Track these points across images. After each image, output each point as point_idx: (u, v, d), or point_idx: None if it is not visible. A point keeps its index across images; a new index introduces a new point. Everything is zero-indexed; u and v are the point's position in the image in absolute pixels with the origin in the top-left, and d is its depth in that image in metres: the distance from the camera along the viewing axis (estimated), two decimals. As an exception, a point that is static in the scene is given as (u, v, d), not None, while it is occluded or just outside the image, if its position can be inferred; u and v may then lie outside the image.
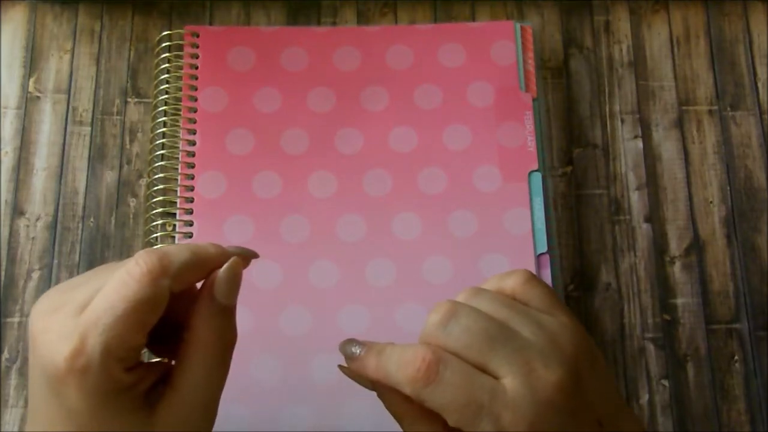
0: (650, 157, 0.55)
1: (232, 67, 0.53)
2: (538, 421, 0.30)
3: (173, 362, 0.33)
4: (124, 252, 0.53)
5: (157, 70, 0.53)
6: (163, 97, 0.53)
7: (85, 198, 0.54)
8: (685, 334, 0.52)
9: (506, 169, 0.51)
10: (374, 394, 0.34)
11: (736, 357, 0.51)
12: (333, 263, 0.49)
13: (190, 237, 0.49)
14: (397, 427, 0.33)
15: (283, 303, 0.48)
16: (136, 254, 0.31)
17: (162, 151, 0.51)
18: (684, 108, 0.56)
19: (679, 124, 0.56)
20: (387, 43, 0.54)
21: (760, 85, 0.56)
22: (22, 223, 0.53)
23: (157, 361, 0.34)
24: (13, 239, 0.53)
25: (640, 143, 0.55)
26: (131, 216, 0.53)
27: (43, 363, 0.30)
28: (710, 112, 0.56)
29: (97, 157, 0.55)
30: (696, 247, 0.53)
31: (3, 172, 0.54)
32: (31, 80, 0.56)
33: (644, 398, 0.50)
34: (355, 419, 0.46)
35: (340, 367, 0.34)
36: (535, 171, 0.51)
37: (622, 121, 0.56)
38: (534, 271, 0.48)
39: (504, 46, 0.54)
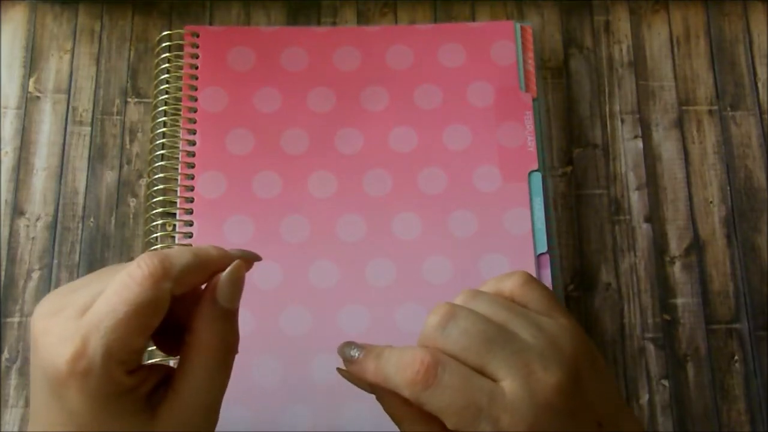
0: (650, 157, 0.55)
1: (232, 67, 0.53)
2: (538, 423, 0.30)
3: (175, 364, 0.33)
4: (124, 252, 0.53)
5: (157, 70, 0.53)
6: (163, 97, 0.53)
7: (85, 198, 0.54)
8: (685, 334, 0.52)
9: (506, 169, 0.51)
10: (374, 395, 0.34)
11: (736, 357, 0.51)
12: (333, 263, 0.49)
13: (190, 237, 0.49)
14: (396, 428, 0.33)
15: (283, 303, 0.48)
16: (138, 257, 0.31)
17: (162, 151, 0.51)
18: (684, 108, 0.56)
19: (679, 124, 0.56)
20: (387, 43, 0.54)
21: (760, 85, 0.56)
22: (22, 223, 0.53)
23: (158, 364, 0.34)
24: (13, 239, 0.53)
25: (640, 143, 0.55)
26: (131, 216, 0.53)
27: (44, 365, 0.30)
28: (710, 112, 0.56)
29: (97, 157, 0.55)
30: (696, 247, 0.53)
31: (3, 172, 0.54)
32: (31, 80, 0.56)
33: (644, 398, 0.50)
34: (355, 419, 0.46)
35: (339, 370, 0.34)
36: (535, 171, 0.51)
37: (622, 121, 0.56)
38: (534, 271, 0.48)
39: (504, 46, 0.54)
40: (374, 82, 0.53)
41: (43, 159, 0.54)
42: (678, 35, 0.58)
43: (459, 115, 0.52)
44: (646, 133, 0.56)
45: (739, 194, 0.54)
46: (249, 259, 0.35)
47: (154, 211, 0.50)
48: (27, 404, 0.50)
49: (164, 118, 0.52)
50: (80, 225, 0.53)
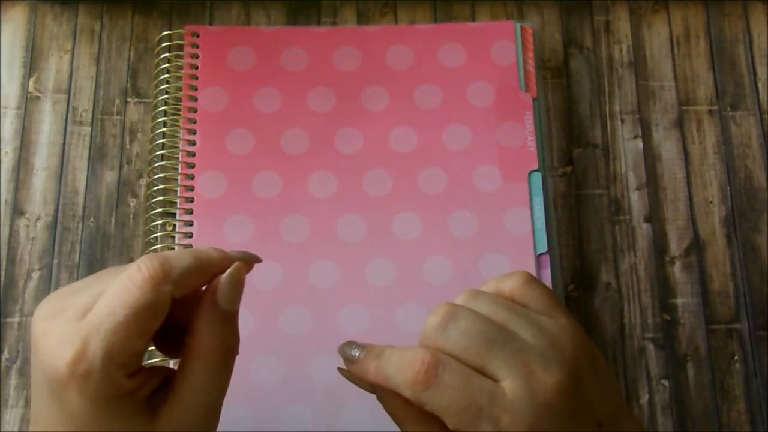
0: (650, 157, 0.55)
1: (232, 67, 0.53)
2: (538, 423, 0.30)
3: (175, 366, 0.33)
4: (124, 252, 0.53)
5: (157, 70, 0.53)
6: (163, 97, 0.53)
7: (85, 198, 0.54)
8: (685, 334, 0.52)
9: (506, 169, 0.51)
10: (374, 395, 0.34)
11: (736, 357, 0.51)
12: (333, 263, 0.49)
13: (190, 237, 0.49)
14: (397, 428, 0.33)
15: (283, 303, 0.48)
16: (138, 259, 0.31)
17: (162, 151, 0.51)
18: (684, 108, 0.56)
19: (679, 124, 0.56)
20: (387, 43, 0.54)
21: (760, 85, 0.56)
22: (22, 223, 0.53)
23: (159, 366, 0.34)
24: (13, 239, 0.53)
25: (640, 143, 0.55)
26: (131, 216, 0.53)
27: (44, 368, 0.30)
28: (710, 112, 0.56)
29: (97, 157, 0.55)
30: (696, 247, 0.53)
31: (3, 172, 0.54)
32: (31, 80, 0.56)
33: (644, 398, 0.50)
34: (355, 419, 0.46)
35: (340, 369, 0.34)
36: (535, 171, 0.51)
37: (622, 121, 0.56)
38: (534, 271, 0.48)
39: (504, 46, 0.54)
40: (374, 82, 0.53)
41: (43, 159, 0.54)
42: (678, 35, 0.58)
43: (459, 115, 0.52)
44: (646, 133, 0.56)
45: (739, 194, 0.54)
46: (249, 260, 0.35)
47: (154, 211, 0.50)
48: (27, 404, 0.50)
49: (164, 118, 0.52)
50: (80, 225, 0.53)
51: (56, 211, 0.53)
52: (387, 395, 0.32)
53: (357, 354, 0.33)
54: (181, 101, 0.52)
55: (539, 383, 0.30)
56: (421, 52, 0.54)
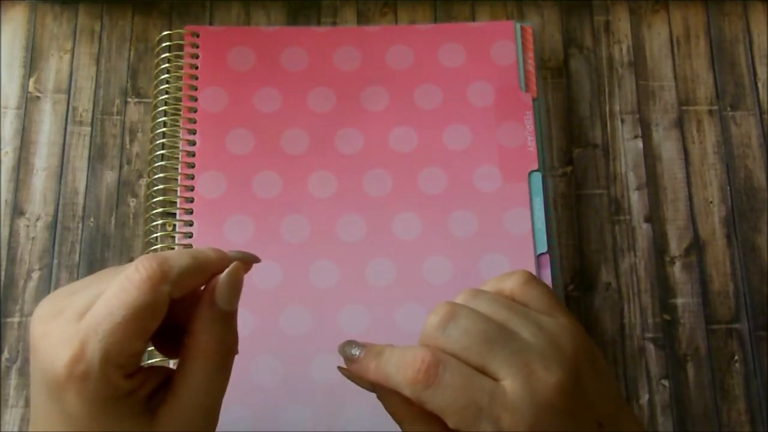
0: (650, 157, 0.55)
1: (232, 67, 0.53)
2: (538, 423, 0.30)
3: (174, 367, 0.33)
4: (124, 252, 0.53)
5: (157, 70, 0.53)
6: (163, 97, 0.53)
7: (85, 198, 0.54)
8: (685, 334, 0.52)
9: (506, 169, 0.51)
10: (374, 394, 0.34)
11: (736, 357, 0.51)
12: (333, 263, 0.49)
13: (190, 237, 0.49)
14: (397, 427, 0.33)
15: (283, 303, 0.48)
16: (136, 260, 0.31)
17: (162, 151, 0.51)
18: (684, 108, 0.56)
19: (679, 124, 0.56)
20: (387, 43, 0.54)
21: (760, 85, 0.56)
22: (22, 223, 0.53)
23: (158, 366, 0.34)
24: (13, 239, 0.53)
25: (640, 143, 0.55)
26: (131, 216, 0.53)
27: (43, 368, 0.30)
28: (710, 112, 0.56)
29: (97, 157, 0.55)
30: (696, 247, 0.53)
31: (3, 172, 0.54)
32: (31, 80, 0.56)
33: (644, 398, 0.50)
34: (355, 419, 0.46)
35: (340, 368, 0.34)
36: (535, 171, 0.51)
37: (622, 121, 0.56)
38: (534, 271, 0.48)
39: (504, 46, 0.54)
40: (374, 82, 0.53)
41: (43, 159, 0.54)
42: (678, 35, 0.58)
43: (459, 115, 0.52)
44: (646, 133, 0.56)
45: (739, 194, 0.54)
46: (248, 260, 0.34)
47: (154, 211, 0.50)
48: (27, 404, 0.50)
49: (164, 118, 0.52)
50: (80, 225, 0.53)
51: (56, 211, 0.53)
52: (387, 394, 0.32)
53: (357, 353, 0.33)
54: (181, 101, 0.52)
55: (539, 383, 0.30)
56: (421, 52, 0.54)
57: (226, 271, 0.33)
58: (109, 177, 0.54)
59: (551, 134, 0.55)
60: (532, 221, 0.50)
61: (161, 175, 0.51)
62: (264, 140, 0.52)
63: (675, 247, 0.53)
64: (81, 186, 0.54)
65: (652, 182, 0.54)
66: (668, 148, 0.55)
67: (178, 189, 0.51)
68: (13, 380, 0.50)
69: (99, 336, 0.29)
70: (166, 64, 0.53)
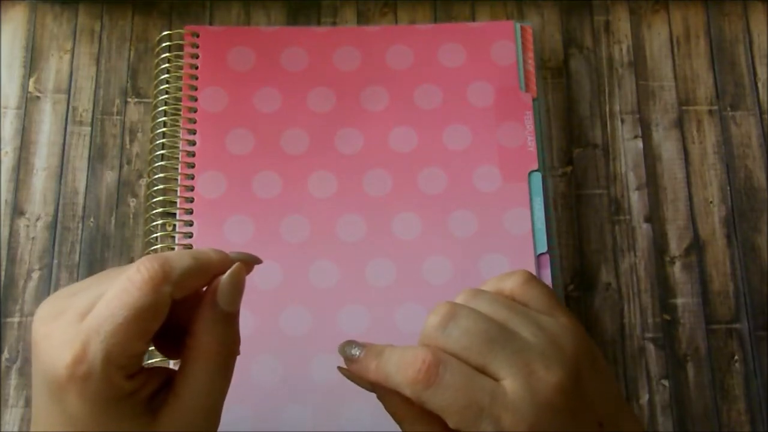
0: (650, 157, 0.55)
1: (232, 67, 0.53)
2: (539, 422, 0.30)
3: (176, 367, 0.33)
4: (124, 252, 0.53)
5: (157, 70, 0.53)
6: (163, 97, 0.53)
7: (85, 198, 0.54)
8: (685, 334, 0.52)
9: (506, 169, 0.51)
10: (374, 395, 0.34)
11: (736, 357, 0.51)
12: (333, 263, 0.49)
13: (190, 237, 0.49)
14: (397, 427, 0.33)
15: (283, 303, 0.48)
16: (138, 261, 0.31)
17: (162, 151, 0.51)
18: (684, 108, 0.56)
19: (679, 124, 0.56)
20: (387, 43, 0.54)
21: (760, 85, 0.56)
22: (22, 223, 0.53)
23: (159, 367, 0.34)
24: (13, 239, 0.53)
25: (640, 143, 0.55)
26: (131, 216, 0.53)
27: (44, 369, 0.30)
28: (710, 112, 0.56)
29: (97, 157, 0.55)
30: (696, 247, 0.53)
31: (3, 172, 0.54)
32: (31, 80, 0.56)
33: (644, 398, 0.50)
34: (355, 419, 0.46)
35: (340, 368, 0.34)
36: (535, 171, 0.51)
37: (622, 121, 0.56)
38: (534, 271, 0.48)
39: (504, 46, 0.54)
40: (374, 82, 0.53)
41: (43, 159, 0.54)
42: (678, 35, 0.58)
43: (459, 115, 0.52)
44: (646, 133, 0.56)
45: (739, 194, 0.54)
46: (249, 261, 0.34)
47: (154, 211, 0.50)
48: (27, 404, 0.50)
49: (164, 118, 0.52)
50: (80, 225, 0.53)
51: (56, 211, 0.53)
52: (387, 394, 0.32)
53: (357, 353, 0.33)
54: (181, 101, 0.52)
55: (540, 382, 0.30)
56: (421, 52, 0.54)
57: (228, 272, 0.33)
58: (109, 177, 0.54)
59: (551, 134, 0.55)
60: (532, 221, 0.50)
61: (161, 175, 0.51)
62: (264, 140, 0.52)
63: (675, 247, 0.53)
64: (81, 186, 0.54)
65: (652, 182, 0.54)
66: (668, 148, 0.55)
67: (178, 189, 0.51)
68: (13, 380, 0.50)
69: (101, 337, 0.29)
70: (166, 64, 0.53)
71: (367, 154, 0.52)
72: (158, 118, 0.52)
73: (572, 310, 0.52)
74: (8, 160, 0.54)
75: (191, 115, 0.52)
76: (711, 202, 0.54)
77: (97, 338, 0.29)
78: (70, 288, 0.33)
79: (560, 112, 0.56)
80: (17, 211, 0.53)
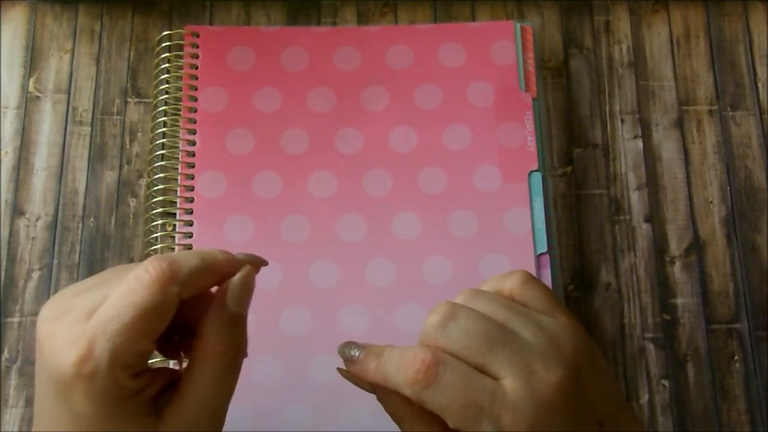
0: (650, 157, 0.55)
1: (232, 67, 0.53)
2: (538, 422, 0.29)
3: (181, 367, 0.33)
4: (124, 252, 0.53)
5: (157, 70, 0.53)
6: (163, 97, 0.53)
7: (85, 198, 0.54)
8: (685, 334, 0.52)
9: (506, 169, 0.51)
10: (374, 395, 0.34)
11: (736, 357, 0.51)
12: (333, 263, 0.49)
13: (190, 237, 0.49)
14: (397, 427, 0.33)
15: (283, 303, 0.48)
16: (146, 260, 0.31)
17: (162, 151, 0.51)
18: (684, 108, 0.56)
19: (679, 124, 0.56)
20: (387, 43, 0.54)
21: (760, 85, 0.56)
22: (22, 223, 0.53)
23: (163, 368, 0.34)
24: (13, 239, 0.53)
25: (640, 143, 0.55)
26: (131, 216, 0.53)
27: (49, 368, 0.30)
28: (710, 112, 0.56)
29: (97, 157, 0.55)
30: (696, 247, 0.53)
31: (3, 172, 0.54)
32: (31, 80, 0.56)
33: (644, 398, 0.50)
34: (355, 419, 0.46)
35: (339, 370, 0.34)
36: (535, 171, 0.51)
37: (622, 121, 0.56)
38: (534, 272, 0.48)
39: (504, 46, 0.54)
40: (374, 82, 0.53)
41: (43, 159, 0.54)
42: (678, 35, 0.58)
43: (459, 115, 0.52)
44: (646, 133, 0.56)
45: (739, 194, 0.54)
46: (256, 263, 0.35)
47: (154, 211, 0.50)
48: (27, 404, 0.50)
49: (164, 118, 0.52)
50: (80, 225, 0.53)
51: (56, 211, 0.53)
52: (387, 395, 0.32)
53: (357, 354, 0.33)
54: (181, 101, 0.52)
55: (540, 382, 0.30)
56: (421, 52, 0.54)
57: (239, 273, 0.33)
58: (109, 177, 0.54)
59: (551, 134, 0.55)
60: (532, 221, 0.50)
61: (161, 175, 0.51)
62: (264, 140, 0.52)
63: (675, 247, 0.53)
64: (81, 186, 0.54)
65: (652, 182, 0.54)
66: (668, 148, 0.55)
67: (178, 189, 0.51)
68: (13, 380, 0.50)
69: (107, 336, 0.29)
70: (166, 64, 0.53)
71: (367, 154, 0.52)
72: (158, 118, 0.52)
73: (572, 310, 0.52)
74: (8, 160, 0.54)
75: (191, 115, 0.52)
76: (711, 202, 0.54)
77: (104, 337, 0.29)
78: (74, 287, 0.33)
79: (560, 112, 0.56)
80: (17, 211, 0.53)
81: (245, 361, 0.45)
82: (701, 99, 0.56)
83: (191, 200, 0.50)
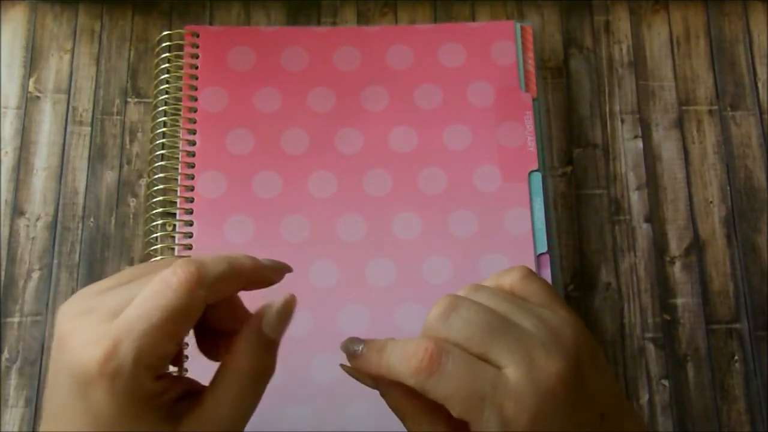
0: (650, 157, 0.55)
1: (232, 67, 0.53)
2: (540, 411, 0.30)
3: (181, 374, 0.33)
4: (124, 252, 0.53)
5: (157, 70, 0.53)
6: (163, 97, 0.53)
7: (85, 198, 0.54)
8: (685, 334, 0.52)
9: (506, 169, 0.51)
10: (374, 394, 0.34)
11: (736, 357, 0.51)
12: (333, 263, 0.49)
13: (190, 237, 0.49)
14: (397, 427, 0.33)
15: (283, 303, 0.48)
16: (174, 263, 0.31)
17: (162, 151, 0.51)
18: (684, 108, 0.56)
19: (679, 124, 0.56)
20: (387, 43, 0.54)
21: (760, 85, 0.56)
22: (22, 223, 0.53)
23: (181, 376, 0.34)
24: (13, 239, 0.53)
25: (640, 143, 0.55)
26: (131, 216, 0.53)
27: (70, 365, 0.30)
28: (710, 112, 0.56)
29: (97, 157, 0.55)
30: (696, 247, 0.53)
31: (3, 172, 0.54)
32: (31, 80, 0.56)
33: (644, 398, 0.50)
34: (355, 419, 0.46)
35: (342, 365, 0.34)
36: (535, 171, 0.51)
37: (622, 121, 0.56)
38: (534, 271, 0.48)
39: (504, 46, 0.54)
40: (374, 82, 0.53)
41: (43, 159, 0.54)
42: (678, 35, 0.58)
43: (459, 115, 0.52)
44: (646, 133, 0.56)
45: (739, 194, 0.54)
46: (281, 269, 0.35)
47: (154, 211, 0.50)
48: (27, 404, 0.49)
49: (164, 118, 0.52)
50: (80, 225, 0.53)
51: (56, 211, 0.53)
52: (390, 389, 0.33)
53: (359, 348, 0.33)
54: (181, 101, 0.52)
55: (542, 371, 0.30)
56: (421, 52, 0.54)
57: (281, 301, 0.33)
58: (109, 177, 0.54)
59: (551, 134, 0.55)
60: (532, 221, 0.50)
61: (161, 175, 0.51)
62: (264, 140, 0.52)
63: (675, 247, 0.53)
64: (81, 186, 0.54)
65: (652, 182, 0.54)
66: (668, 148, 0.55)
67: (178, 189, 0.51)
68: (13, 380, 0.50)
69: (132, 336, 0.29)
70: (166, 64, 0.53)
71: (367, 154, 0.52)
72: (158, 118, 0.52)
73: (572, 310, 0.52)
74: (8, 160, 0.54)
75: (191, 115, 0.52)
76: (711, 202, 0.54)
77: (129, 337, 0.29)
78: (95, 286, 0.33)
79: (560, 112, 0.56)
80: (17, 211, 0.53)
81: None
82: (701, 99, 0.56)
83: (191, 200, 0.50)
